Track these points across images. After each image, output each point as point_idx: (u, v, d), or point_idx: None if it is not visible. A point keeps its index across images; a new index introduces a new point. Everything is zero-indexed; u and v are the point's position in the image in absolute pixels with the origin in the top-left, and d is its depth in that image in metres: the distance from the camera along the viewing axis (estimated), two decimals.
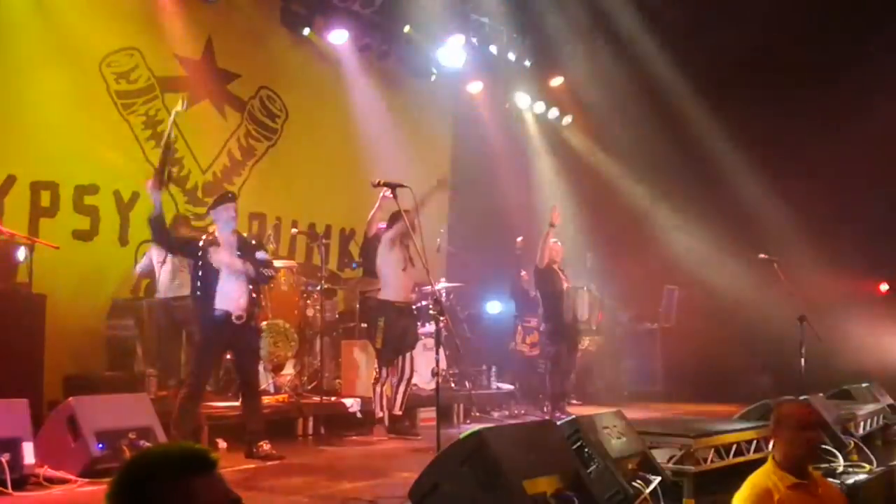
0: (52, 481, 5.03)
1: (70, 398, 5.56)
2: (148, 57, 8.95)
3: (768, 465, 3.48)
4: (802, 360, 7.52)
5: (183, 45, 9.30)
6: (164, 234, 6.06)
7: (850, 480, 4.69)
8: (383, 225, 7.71)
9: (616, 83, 11.69)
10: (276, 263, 8.46)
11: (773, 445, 3.61)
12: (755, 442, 5.03)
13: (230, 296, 5.98)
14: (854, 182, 10.24)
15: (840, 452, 5.14)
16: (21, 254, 6.56)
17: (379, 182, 5.52)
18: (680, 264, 11.63)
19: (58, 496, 4.85)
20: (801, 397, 5.25)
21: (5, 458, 4.72)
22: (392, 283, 7.56)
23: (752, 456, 4.93)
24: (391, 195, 5.91)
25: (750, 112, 11.02)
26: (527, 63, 12.22)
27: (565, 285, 8.89)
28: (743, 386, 10.47)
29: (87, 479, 5.10)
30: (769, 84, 10.92)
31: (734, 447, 4.87)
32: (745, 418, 5.69)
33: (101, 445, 5.26)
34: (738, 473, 4.61)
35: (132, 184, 8.71)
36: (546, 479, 3.64)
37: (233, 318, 5.99)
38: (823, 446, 4.96)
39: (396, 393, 7.52)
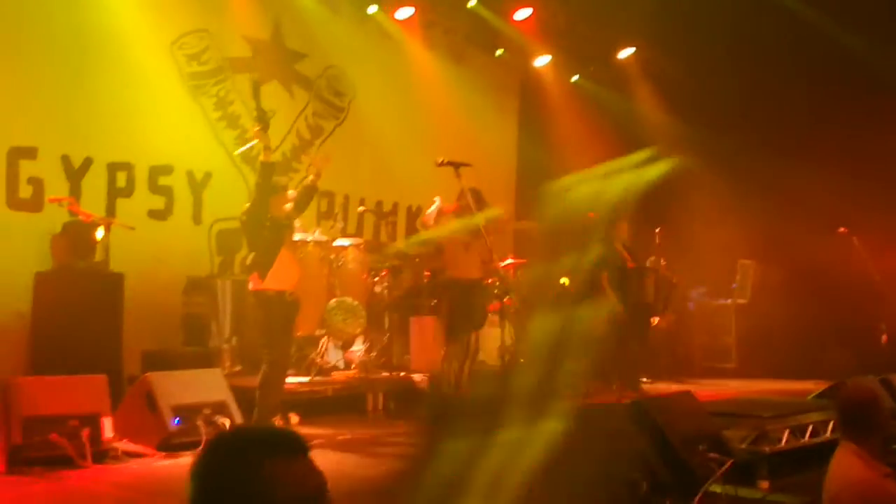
0: (130, 455, 5.21)
1: (147, 374, 5.75)
2: (217, 38, 9.08)
3: (860, 460, 3.18)
4: (884, 336, 7.26)
5: (251, 26, 9.41)
6: (267, 183, 6.14)
7: None
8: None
9: (691, 53, 11.34)
10: (344, 242, 8.58)
11: (866, 436, 3.23)
12: (832, 422, 4.87)
13: (285, 275, 6.12)
14: None
15: None
16: (99, 233, 6.76)
17: (443, 161, 5.49)
18: (755, 238, 11.30)
19: (136, 469, 5.02)
20: (880, 376, 5.06)
21: (86, 432, 4.90)
22: (458, 260, 7.56)
23: (827, 436, 4.78)
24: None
25: (831, 84, 10.60)
26: (596, 35, 11.97)
27: (629, 265, 8.77)
28: (821, 363, 10.15)
29: (163, 453, 5.26)
30: (852, 57, 10.46)
31: (810, 428, 4.73)
32: (821, 398, 5.51)
33: (177, 420, 5.43)
34: (814, 455, 4.49)
35: (205, 164, 8.91)
36: (614, 463, 3.59)
37: (286, 294, 6.13)
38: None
39: (462, 371, 7.53)
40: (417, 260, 9.05)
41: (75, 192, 7.71)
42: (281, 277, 6.14)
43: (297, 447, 1.41)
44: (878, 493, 3.10)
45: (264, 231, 6.13)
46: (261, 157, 6.17)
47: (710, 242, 11.22)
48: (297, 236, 6.95)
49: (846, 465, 3.16)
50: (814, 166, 10.36)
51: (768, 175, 10.86)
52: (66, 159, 7.81)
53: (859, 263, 7.85)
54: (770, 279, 11.70)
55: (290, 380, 7.35)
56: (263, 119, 6.09)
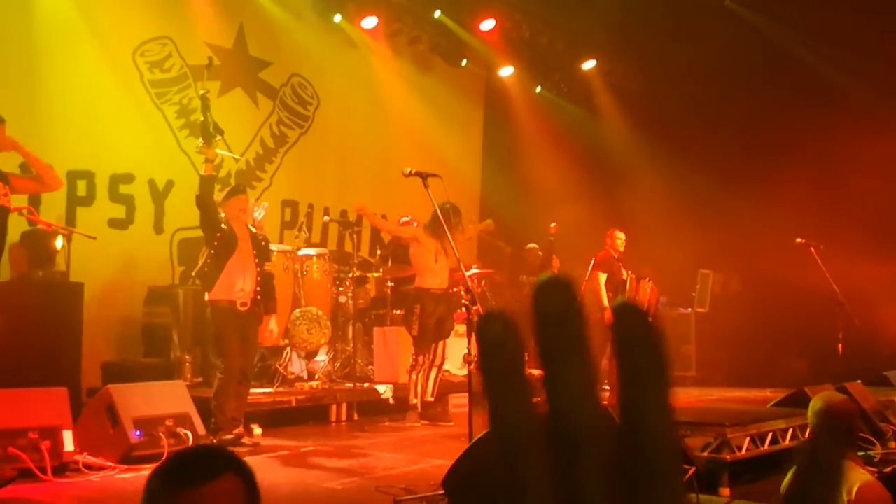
0: (91, 468, 5.13)
1: (108, 386, 5.65)
2: (180, 45, 9.01)
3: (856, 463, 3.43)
4: (839, 346, 7.42)
5: (215, 34, 9.35)
6: (209, 199, 6.11)
7: (888, 468, 4.61)
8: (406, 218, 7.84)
9: (652, 66, 11.52)
10: (308, 251, 8.55)
11: (851, 443, 3.52)
12: (791, 430, 4.98)
13: (234, 287, 6.09)
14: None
15: (878, 440, 5.07)
16: (59, 243, 6.66)
17: (410, 172, 5.48)
18: (715, 248, 11.49)
19: (97, 483, 4.94)
20: (836, 385, 5.18)
21: (46, 445, 4.82)
22: (427, 270, 7.59)
23: (787, 444, 4.88)
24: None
25: (791, 98, 10.84)
26: (559, 47, 12.10)
27: (626, 275, 8.90)
28: (779, 372, 10.36)
29: (125, 466, 5.19)
30: (813, 71, 10.71)
31: (770, 435, 4.82)
32: (780, 406, 5.62)
33: (138, 433, 5.35)
34: (774, 462, 4.59)
35: (167, 172, 8.82)
36: None
37: (237, 304, 6.10)
38: (861, 434, 4.90)
39: (428, 379, 7.55)
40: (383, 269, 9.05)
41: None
42: (233, 288, 6.11)
43: (206, 474, 1.36)
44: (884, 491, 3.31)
45: (215, 242, 6.11)
46: (201, 171, 6.13)
47: (671, 252, 11.39)
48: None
49: (847, 468, 3.35)
50: (773, 177, 10.58)
51: (728, 185, 11.06)
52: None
53: (816, 273, 8.02)
54: (729, 289, 11.91)
55: (253, 390, 7.30)
56: (207, 132, 6.02)
